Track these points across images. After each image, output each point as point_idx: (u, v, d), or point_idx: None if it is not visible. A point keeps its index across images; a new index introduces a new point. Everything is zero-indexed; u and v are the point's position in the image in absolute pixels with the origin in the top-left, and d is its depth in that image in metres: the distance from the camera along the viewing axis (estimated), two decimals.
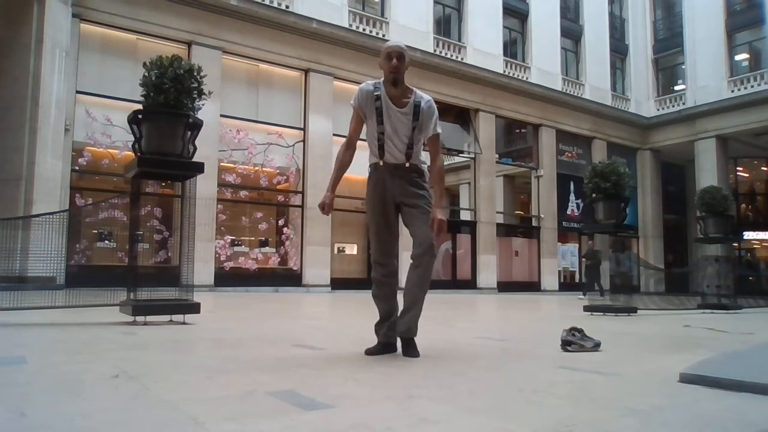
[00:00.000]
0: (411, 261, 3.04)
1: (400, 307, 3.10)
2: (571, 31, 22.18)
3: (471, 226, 18.32)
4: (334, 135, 14.38)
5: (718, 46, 22.17)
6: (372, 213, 3.14)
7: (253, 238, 14.12)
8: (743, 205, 24.16)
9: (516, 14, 20.49)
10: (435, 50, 17.51)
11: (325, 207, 3.05)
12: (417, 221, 3.02)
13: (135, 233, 5.18)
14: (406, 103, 3.03)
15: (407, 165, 3.06)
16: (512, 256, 19.60)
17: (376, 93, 3.04)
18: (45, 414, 1.67)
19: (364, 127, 3.14)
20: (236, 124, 13.88)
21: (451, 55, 17.98)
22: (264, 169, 14.25)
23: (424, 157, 3.20)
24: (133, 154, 4.66)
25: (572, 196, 21.00)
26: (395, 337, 3.10)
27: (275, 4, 14.44)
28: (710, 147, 21.66)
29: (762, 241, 24.56)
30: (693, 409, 1.97)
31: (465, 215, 19.18)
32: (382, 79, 3.08)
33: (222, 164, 13.53)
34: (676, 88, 24.31)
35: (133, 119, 4.54)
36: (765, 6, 21.06)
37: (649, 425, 1.73)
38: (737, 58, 22.56)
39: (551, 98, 20.36)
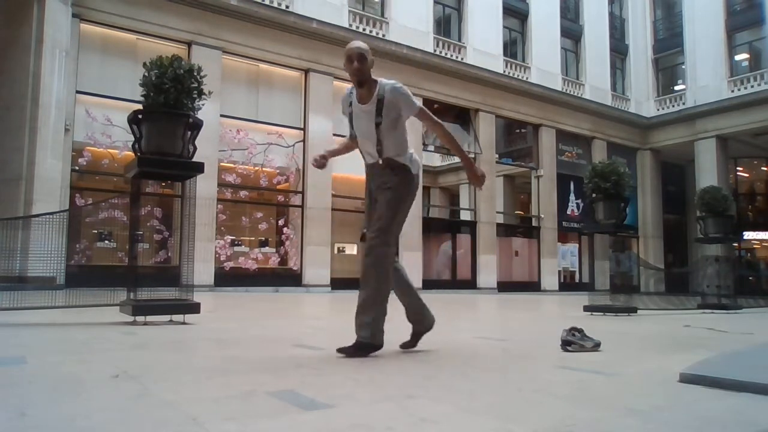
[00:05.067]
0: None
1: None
2: (571, 31, 22.17)
3: (471, 226, 18.31)
4: (334, 135, 14.35)
5: (718, 46, 22.16)
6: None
7: (253, 238, 14.12)
8: (743, 205, 24.14)
9: (516, 14, 20.48)
10: (435, 50, 17.51)
11: (317, 159, 3.24)
12: (378, 210, 3.07)
13: (135, 233, 5.18)
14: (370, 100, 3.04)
15: (380, 162, 3.06)
16: (512, 256, 19.60)
17: (350, 99, 3.09)
18: (45, 414, 1.67)
19: None
20: (236, 124, 13.88)
21: (451, 55, 17.98)
22: (264, 169, 14.25)
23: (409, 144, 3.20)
24: (133, 154, 4.67)
25: (572, 196, 21.00)
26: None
27: (275, 4, 14.45)
28: (710, 147, 21.65)
29: (762, 241, 24.56)
30: (693, 409, 1.97)
31: (465, 215, 19.17)
32: None
33: (222, 164, 13.53)
34: (676, 88, 24.30)
35: (133, 119, 4.54)
36: (765, 6, 21.05)
37: (649, 425, 1.73)
38: (737, 58, 22.55)
39: (551, 98, 20.35)
